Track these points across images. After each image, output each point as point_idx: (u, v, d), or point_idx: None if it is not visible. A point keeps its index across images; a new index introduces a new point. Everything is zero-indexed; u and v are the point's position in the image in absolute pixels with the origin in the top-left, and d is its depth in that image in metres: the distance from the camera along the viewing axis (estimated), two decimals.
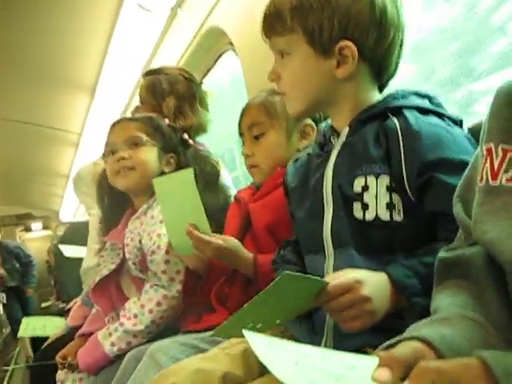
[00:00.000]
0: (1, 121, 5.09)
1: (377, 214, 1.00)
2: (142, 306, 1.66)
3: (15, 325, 6.79)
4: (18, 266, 7.65)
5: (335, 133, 1.16)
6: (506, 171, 0.69)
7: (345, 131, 1.12)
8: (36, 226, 12.05)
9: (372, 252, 0.99)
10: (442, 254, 0.80)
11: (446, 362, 0.53)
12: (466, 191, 0.81)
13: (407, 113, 1.05)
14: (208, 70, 3.02)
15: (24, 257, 7.78)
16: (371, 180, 1.02)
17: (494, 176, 0.71)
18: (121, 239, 1.86)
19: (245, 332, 0.59)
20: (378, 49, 1.08)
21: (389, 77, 1.15)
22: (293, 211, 1.24)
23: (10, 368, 5.24)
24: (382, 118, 1.07)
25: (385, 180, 1.01)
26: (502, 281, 0.69)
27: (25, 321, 3.07)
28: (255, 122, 1.55)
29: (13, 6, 3.08)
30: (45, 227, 11.86)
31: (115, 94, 4.28)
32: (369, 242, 1.01)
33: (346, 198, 1.05)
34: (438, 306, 0.72)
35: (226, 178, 2.24)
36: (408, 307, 0.90)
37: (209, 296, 1.57)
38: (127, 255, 1.84)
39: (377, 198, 1.00)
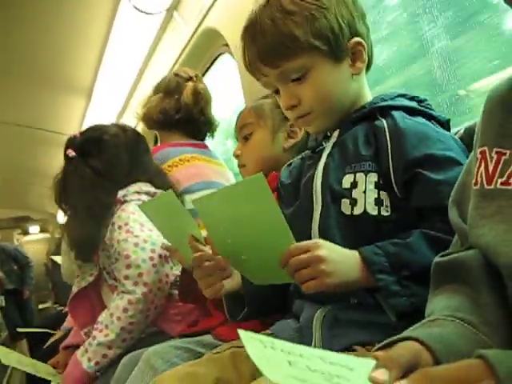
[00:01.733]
0: None
1: (365, 209, 1.01)
2: (111, 315, 1.66)
3: (13, 328, 6.75)
4: (15, 268, 7.63)
5: (326, 136, 1.17)
6: (501, 175, 0.69)
7: (335, 133, 1.14)
8: (33, 229, 12.03)
9: (358, 247, 0.97)
10: (437, 258, 0.80)
11: (445, 367, 0.53)
12: (461, 196, 0.80)
13: (395, 113, 1.06)
14: (205, 72, 3.02)
15: (22, 259, 7.76)
16: (360, 177, 1.03)
17: (489, 180, 0.71)
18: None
19: (239, 331, 0.58)
20: (368, 39, 1.12)
21: (369, 69, 1.18)
22: (283, 209, 1.23)
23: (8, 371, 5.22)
24: (371, 118, 1.09)
25: (373, 177, 1.02)
26: (497, 283, 0.68)
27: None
28: (245, 123, 1.59)
29: (9, 9, 3.07)
30: (42, 230, 11.85)
31: (112, 97, 4.27)
32: (356, 237, 1.01)
33: (334, 195, 1.06)
34: (432, 310, 0.72)
35: (232, 180, 2.25)
36: (377, 286, 0.91)
37: (205, 301, 1.56)
38: (100, 265, 1.85)
39: (365, 194, 1.02)
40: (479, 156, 0.73)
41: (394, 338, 0.63)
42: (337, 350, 0.61)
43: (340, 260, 0.91)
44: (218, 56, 2.90)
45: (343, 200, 1.04)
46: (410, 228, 0.98)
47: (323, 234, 1.05)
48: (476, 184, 0.73)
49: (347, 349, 0.93)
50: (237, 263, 1.02)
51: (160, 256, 1.71)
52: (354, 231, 1.02)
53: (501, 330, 0.65)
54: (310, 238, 1.06)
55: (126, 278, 1.66)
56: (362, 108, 1.12)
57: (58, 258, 3.67)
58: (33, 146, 5.91)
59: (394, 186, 1.00)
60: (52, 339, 2.86)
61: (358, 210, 1.02)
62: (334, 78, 1.09)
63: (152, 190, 1.88)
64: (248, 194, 0.89)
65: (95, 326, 1.70)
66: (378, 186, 1.01)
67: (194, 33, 2.77)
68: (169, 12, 2.91)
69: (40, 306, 8.19)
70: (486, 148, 0.72)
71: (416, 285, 0.89)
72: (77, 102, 4.52)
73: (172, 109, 2.21)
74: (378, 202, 1.01)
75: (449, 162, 0.97)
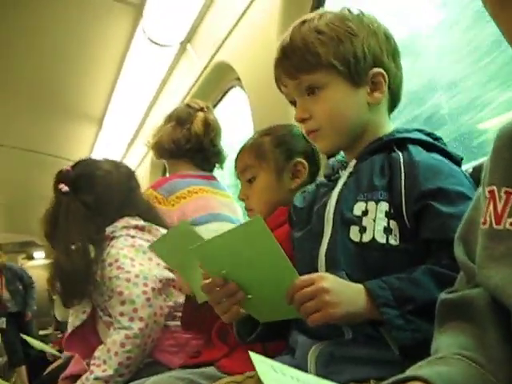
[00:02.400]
0: (8, 148, 5.12)
1: (373, 237, 1.02)
2: (108, 351, 1.65)
3: (12, 353, 6.64)
4: (21, 288, 7.54)
5: (343, 166, 1.18)
6: (510, 215, 0.69)
7: (352, 163, 1.15)
8: (38, 254, 11.99)
9: (364, 275, 0.97)
10: (443, 295, 0.79)
11: None
12: (467, 233, 0.80)
13: (411, 147, 1.08)
14: (216, 104, 3.05)
15: (27, 279, 7.69)
16: (371, 205, 1.04)
17: (498, 220, 0.70)
18: None
19: (250, 353, 0.58)
20: (397, 76, 1.15)
21: (395, 107, 1.21)
22: (293, 232, 1.24)
23: None
24: (388, 150, 1.10)
25: (384, 206, 1.03)
26: (503, 322, 0.68)
27: None
28: (246, 165, 1.55)
29: (25, 37, 3.12)
30: (47, 256, 11.81)
31: (122, 126, 4.31)
32: (362, 265, 1.02)
33: (344, 221, 1.06)
34: (438, 347, 0.71)
35: (238, 212, 2.25)
36: (381, 319, 0.91)
37: (210, 332, 1.55)
38: (93, 302, 1.84)
39: (375, 222, 1.02)
40: (488, 195, 0.73)
41: (401, 376, 0.63)
42: None
43: (344, 291, 0.92)
44: (229, 89, 2.93)
45: (353, 227, 1.04)
46: (417, 259, 0.98)
47: (330, 260, 1.05)
48: (485, 223, 0.72)
49: None
50: (242, 303, 1.02)
51: (153, 289, 1.71)
52: (360, 259, 1.02)
53: (506, 369, 0.64)
54: (316, 263, 1.07)
55: (122, 314, 1.66)
56: (379, 139, 1.14)
57: None
58: (41, 171, 5.91)
59: (405, 216, 1.01)
60: (52, 366, 2.84)
61: (366, 238, 1.02)
62: (348, 100, 1.12)
63: (141, 223, 1.89)
64: (248, 238, 0.90)
65: (92, 361, 1.69)
66: (388, 214, 1.02)
67: (207, 66, 2.80)
68: (182, 45, 2.95)
69: (41, 332, 8.10)
70: (494, 187, 0.72)
71: (420, 319, 0.89)
72: (87, 129, 4.55)
73: (183, 138, 2.22)
74: (387, 230, 1.01)
75: (460, 197, 0.98)
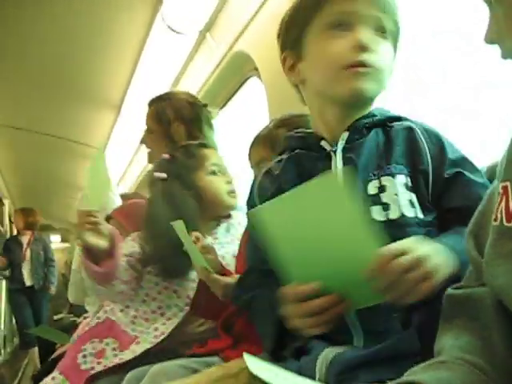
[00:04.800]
0: (28, 133, 5.17)
1: (402, 212, 0.96)
2: None
3: (24, 335, 6.47)
4: (42, 253, 7.02)
5: (323, 139, 1.09)
6: None
7: (344, 135, 1.07)
8: (55, 238, 12.11)
9: None
10: (450, 291, 0.78)
11: None
12: (478, 227, 0.78)
13: (415, 121, 1.08)
14: (233, 94, 3.04)
15: (50, 254, 7.15)
16: (387, 180, 0.99)
17: (509, 217, 0.68)
18: None
19: (245, 356, 0.58)
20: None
21: None
22: None
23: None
24: (383, 126, 1.07)
25: (402, 179, 0.99)
26: (509, 323, 0.67)
27: None
28: (262, 157, 1.53)
29: (45, 23, 3.14)
30: (63, 240, 11.92)
31: (140, 113, 4.32)
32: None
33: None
34: (442, 348, 0.70)
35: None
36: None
37: (216, 318, 1.56)
38: None
39: (397, 196, 0.97)
40: (501, 191, 0.71)
41: (400, 380, 0.62)
42: None
43: (437, 252, 0.84)
44: (247, 79, 2.92)
45: (373, 207, 0.97)
46: (437, 231, 0.96)
47: None
48: (496, 220, 0.71)
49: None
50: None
51: None
52: (387, 237, 0.85)
53: (509, 375, 0.63)
54: None
55: None
56: (371, 115, 1.08)
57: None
58: (59, 155, 5.98)
59: (430, 186, 1.00)
60: (59, 351, 2.85)
61: (393, 214, 0.96)
62: (392, 60, 1.11)
63: None
64: (318, 199, 0.75)
65: None
66: (407, 187, 0.99)
67: (225, 55, 2.80)
68: (202, 33, 2.95)
69: (55, 317, 8.16)
70: (508, 183, 0.70)
71: None
72: (106, 116, 4.58)
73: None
74: (411, 203, 0.98)
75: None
